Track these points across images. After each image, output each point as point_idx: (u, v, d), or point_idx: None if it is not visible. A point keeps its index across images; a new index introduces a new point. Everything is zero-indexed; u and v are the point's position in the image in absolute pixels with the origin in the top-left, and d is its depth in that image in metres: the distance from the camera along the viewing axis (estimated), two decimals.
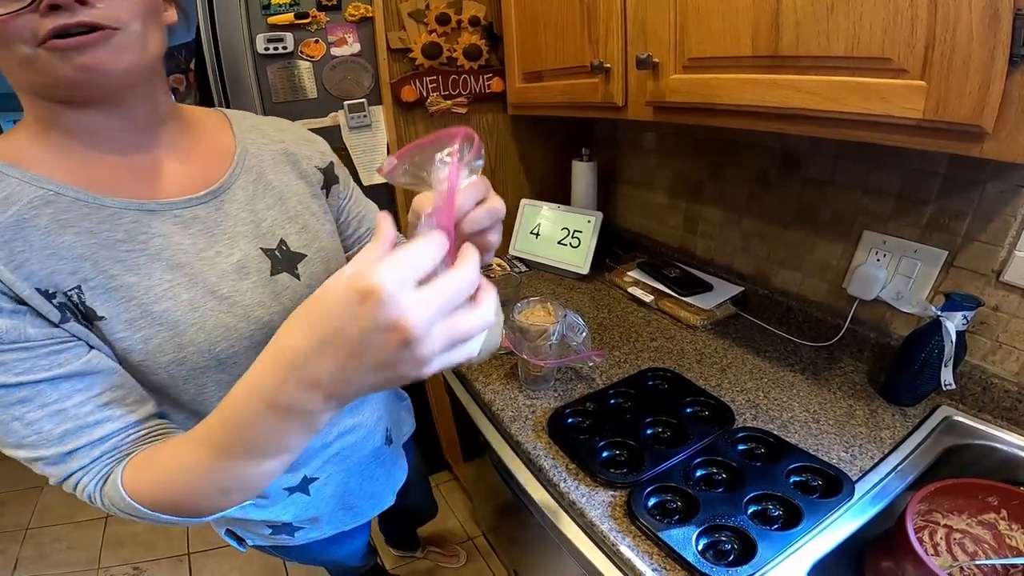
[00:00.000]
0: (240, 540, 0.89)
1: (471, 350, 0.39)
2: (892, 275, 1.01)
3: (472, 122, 1.59)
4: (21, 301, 0.46)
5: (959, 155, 0.59)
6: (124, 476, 0.47)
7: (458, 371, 1.21)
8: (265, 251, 0.63)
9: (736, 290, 1.30)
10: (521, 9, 1.33)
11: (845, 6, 0.61)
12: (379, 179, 1.49)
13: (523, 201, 1.69)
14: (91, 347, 0.50)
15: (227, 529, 0.87)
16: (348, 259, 0.72)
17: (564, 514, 0.87)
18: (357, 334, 0.34)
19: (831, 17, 0.63)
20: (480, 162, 0.43)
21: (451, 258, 0.40)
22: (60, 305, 0.48)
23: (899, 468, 0.83)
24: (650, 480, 0.81)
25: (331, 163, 0.76)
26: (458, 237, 0.44)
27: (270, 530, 0.85)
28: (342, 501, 0.89)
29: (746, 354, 1.15)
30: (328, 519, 0.89)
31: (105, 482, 0.48)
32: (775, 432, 0.89)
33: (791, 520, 0.73)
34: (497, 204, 0.46)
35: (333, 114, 1.44)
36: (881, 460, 0.85)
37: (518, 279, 1.22)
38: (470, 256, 0.39)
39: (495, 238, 0.48)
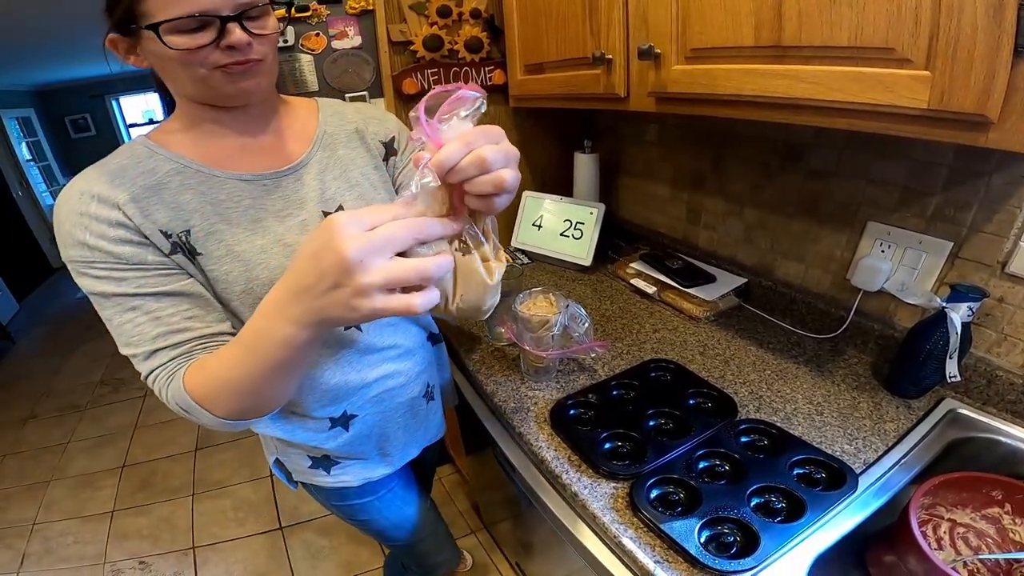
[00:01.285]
0: (288, 476, 0.98)
1: (410, 303, 0.45)
2: (897, 266, 1.00)
3: None
4: (145, 237, 0.65)
5: (965, 145, 0.59)
6: (186, 374, 0.62)
7: (461, 363, 1.21)
8: (325, 214, 0.77)
9: (739, 281, 1.30)
10: (522, 1, 1.32)
11: None
12: None
13: (525, 193, 1.69)
14: (189, 275, 0.68)
15: (276, 459, 0.97)
16: None
17: (566, 506, 0.87)
18: (308, 253, 0.46)
19: (834, 7, 0.63)
20: (475, 108, 0.47)
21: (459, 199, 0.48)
22: (173, 243, 0.66)
23: (903, 461, 0.83)
24: (652, 472, 0.81)
25: (393, 137, 0.88)
26: (458, 188, 0.48)
27: (309, 462, 0.93)
28: (378, 444, 0.96)
29: (749, 346, 1.15)
30: (360, 458, 0.95)
31: (173, 378, 0.63)
32: (778, 424, 0.89)
33: (794, 513, 0.73)
34: (486, 152, 0.45)
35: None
36: (885, 453, 0.84)
37: (520, 270, 1.22)
38: (423, 221, 0.46)
39: (509, 176, 0.47)
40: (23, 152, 5.70)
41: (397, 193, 0.89)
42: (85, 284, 0.64)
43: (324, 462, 0.93)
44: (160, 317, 0.65)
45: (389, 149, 0.88)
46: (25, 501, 2.38)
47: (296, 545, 1.98)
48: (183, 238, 0.68)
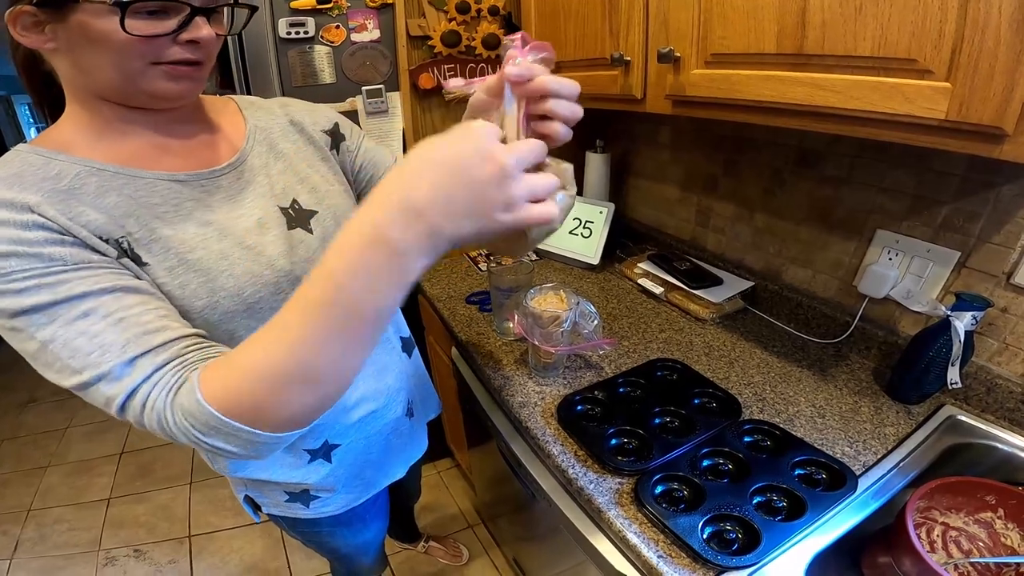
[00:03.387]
0: (256, 509, 0.91)
1: (549, 211, 0.44)
2: (903, 274, 1.02)
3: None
4: (77, 239, 0.52)
5: (977, 156, 0.60)
6: (200, 380, 0.46)
7: (469, 356, 1.22)
8: (281, 209, 0.70)
9: (746, 285, 1.31)
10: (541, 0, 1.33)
11: (874, 7, 0.62)
12: None
13: None
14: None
15: (246, 496, 0.89)
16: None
17: (571, 500, 0.88)
18: (460, 160, 0.41)
19: (859, 17, 0.64)
20: (546, 53, 0.49)
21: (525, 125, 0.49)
22: (117, 248, 0.55)
23: (901, 464, 0.85)
24: (658, 468, 0.82)
25: (335, 123, 0.83)
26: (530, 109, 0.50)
27: (286, 496, 0.87)
28: (360, 472, 0.91)
29: (754, 348, 1.16)
30: (343, 489, 0.91)
31: (177, 392, 0.48)
32: (781, 425, 0.91)
33: (795, 512, 0.75)
34: (564, 80, 0.49)
35: (351, 99, 1.45)
36: (884, 456, 0.86)
37: (531, 267, 1.23)
38: (540, 141, 0.46)
39: (579, 108, 0.51)
40: (32, 138, 5.70)
41: (356, 174, 0.84)
42: (5, 305, 0.47)
43: (303, 496, 0.88)
44: (125, 318, 0.50)
45: (335, 136, 0.82)
46: (21, 487, 2.37)
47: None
48: (123, 244, 0.56)
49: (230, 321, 0.62)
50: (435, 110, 1.55)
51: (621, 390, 1.02)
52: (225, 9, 0.60)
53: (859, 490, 0.79)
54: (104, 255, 0.53)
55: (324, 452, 0.84)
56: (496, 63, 1.53)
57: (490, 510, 1.75)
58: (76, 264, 0.50)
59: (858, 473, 0.82)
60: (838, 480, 0.79)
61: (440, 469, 2.20)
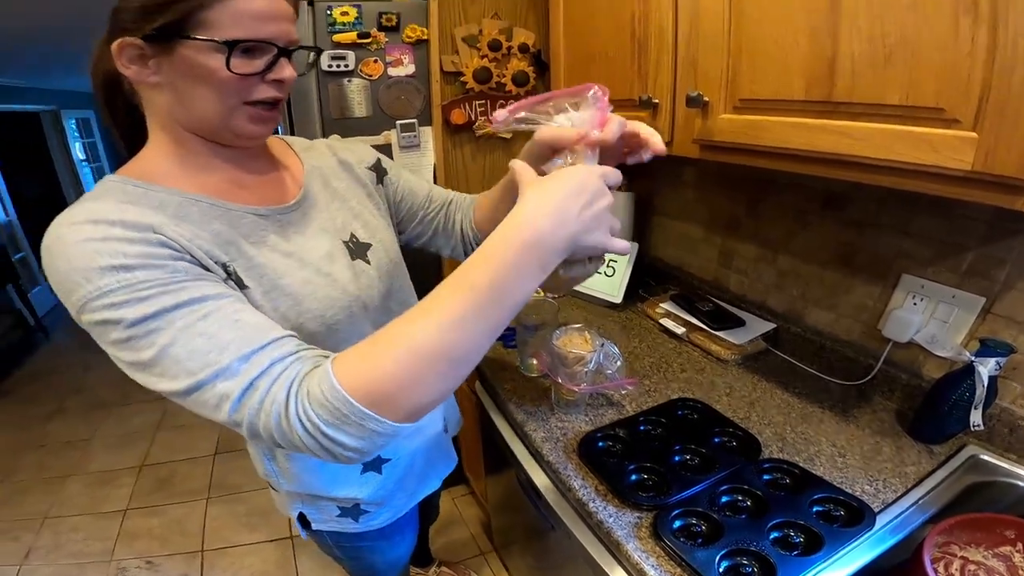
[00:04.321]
0: (306, 525, 0.94)
1: (625, 244, 0.56)
2: (928, 319, 1.01)
3: (516, 147, 1.64)
4: (196, 260, 0.56)
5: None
6: (333, 367, 0.48)
7: (492, 390, 1.23)
8: (343, 242, 0.76)
9: (768, 327, 1.31)
10: (571, 38, 1.36)
11: (903, 54, 0.63)
12: None
13: None
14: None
15: (300, 513, 0.93)
16: (401, 235, 0.94)
17: (590, 532, 0.89)
18: (593, 192, 0.52)
19: (888, 65, 0.65)
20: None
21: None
22: (222, 269, 0.59)
23: (921, 502, 0.84)
24: (676, 504, 0.83)
25: (378, 159, 0.90)
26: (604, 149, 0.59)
27: (338, 511, 0.91)
28: (404, 483, 0.95)
29: (775, 389, 1.16)
30: (390, 502, 0.94)
31: (302, 382, 0.49)
32: (801, 464, 0.91)
33: (811, 547, 0.75)
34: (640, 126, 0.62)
35: (385, 133, 1.50)
36: (904, 493, 0.86)
37: (556, 305, 1.25)
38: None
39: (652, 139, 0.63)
40: (78, 152, 5.87)
41: (398, 203, 0.92)
42: (129, 314, 0.49)
43: (354, 511, 0.92)
44: (240, 320, 0.52)
45: (379, 171, 0.89)
46: (41, 494, 2.42)
47: (305, 556, 1.99)
48: (230, 268, 0.61)
49: (311, 340, 0.63)
50: (465, 145, 1.59)
51: (642, 428, 1.02)
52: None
53: (877, 526, 0.79)
54: (216, 275, 0.58)
55: (376, 465, 0.89)
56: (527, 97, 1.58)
57: (503, 538, 1.74)
58: (194, 276, 0.54)
59: (877, 510, 0.82)
60: (856, 516, 0.80)
61: (455, 495, 2.19)
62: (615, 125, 0.58)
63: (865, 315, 1.14)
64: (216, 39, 0.55)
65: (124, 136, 0.70)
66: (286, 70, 0.61)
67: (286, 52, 0.61)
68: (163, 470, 2.53)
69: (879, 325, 1.10)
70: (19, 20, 2.78)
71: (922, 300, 1.02)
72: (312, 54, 0.70)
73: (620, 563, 0.82)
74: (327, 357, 0.51)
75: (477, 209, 0.93)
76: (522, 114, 0.59)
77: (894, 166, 0.67)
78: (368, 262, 0.79)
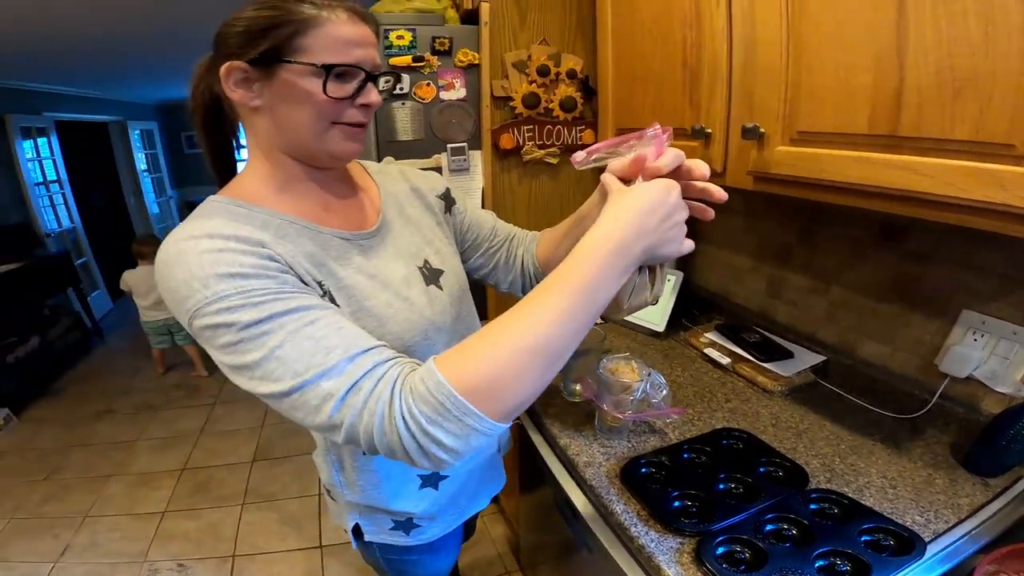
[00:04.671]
0: (358, 536, 0.95)
1: (691, 244, 0.62)
2: (988, 356, 0.98)
3: (561, 173, 1.66)
4: (300, 279, 0.60)
5: None
6: (437, 363, 0.51)
7: (533, 412, 1.24)
8: (418, 268, 0.79)
9: (818, 359, 1.28)
10: (619, 65, 1.37)
11: (974, 90, 0.61)
12: None
13: None
14: None
15: (355, 524, 0.93)
16: (463, 264, 0.94)
17: (630, 556, 0.88)
18: (671, 206, 0.57)
19: (958, 100, 0.63)
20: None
21: None
22: (319, 288, 0.63)
23: (974, 532, 0.82)
24: (720, 531, 0.82)
25: (447, 188, 0.93)
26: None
27: (392, 524, 0.92)
28: (457, 500, 0.96)
29: (824, 421, 1.13)
30: (441, 517, 0.95)
31: (405, 380, 0.52)
32: (850, 495, 0.88)
33: None
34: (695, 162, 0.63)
35: (436, 156, 1.53)
36: (956, 524, 0.83)
37: (602, 333, 1.25)
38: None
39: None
40: (141, 162, 6.14)
41: (464, 235, 0.95)
42: (242, 318, 0.52)
43: (406, 525, 0.93)
44: (343, 328, 0.55)
45: (448, 200, 0.92)
46: (84, 493, 2.50)
47: (333, 565, 2.01)
48: (324, 287, 0.64)
49: None
50: (513, 170, 1.61)
51: (686, 456, 1.01)
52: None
53: (927, 555, 0.76)
54: (314, 290, 0.61)
55: (434, 481, 0.90)
56: (571, 125, 1.60)
57: (531, 557, 1.72)
58: (300, 288, 0.58)
59: (927, 540, 0.79)
60: (906, 546, 0.77)
61: (483, 514, 2.17)
62: (670, 157, 0.60)
63: (922, 349, 1.10)
64: (316, 64, 0.59)
65: (214, 157, 0.75)
66: (372, 94, 0.65)
67: (372, 77, 0.65)
68: (202, 474, 2.60)
69: (936, 360, 1.07)
70: (92, 32, 2.95)
71: (983, 336, 0.99)
72: (391, 79, 0.73)
73: None
74: (420, 364, 0.54)
75: (539, 245, 0.95)
76: (597, 155, 0.64)
77: (960, 203, 0.66)
78: (441, 288, 0.81)
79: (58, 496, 2.48)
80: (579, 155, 0.64)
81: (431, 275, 0.80)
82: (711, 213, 0.65)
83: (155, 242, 3.49)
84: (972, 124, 0.63)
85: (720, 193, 0.64)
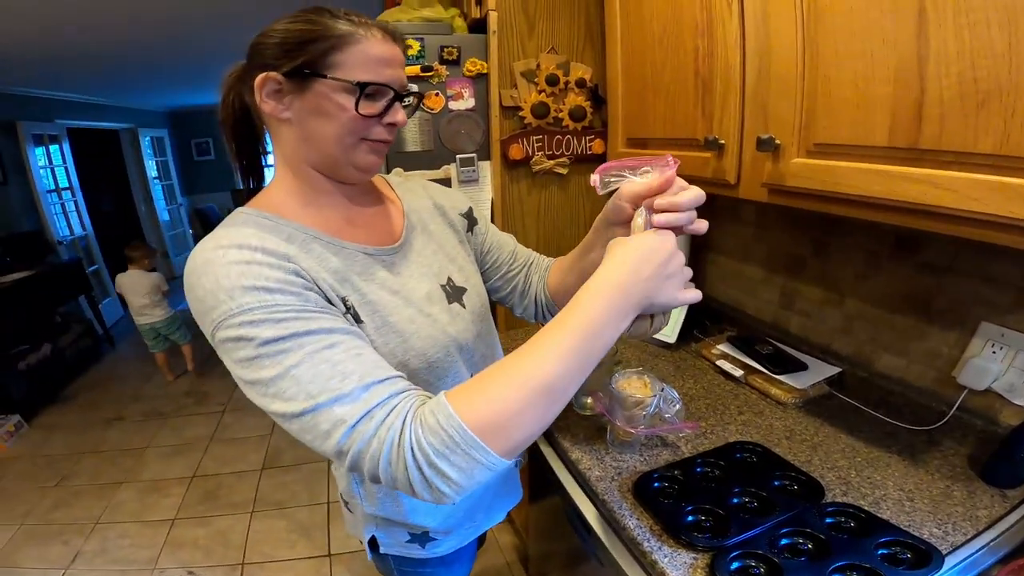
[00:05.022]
0: (374, 548, 0.94)
1: (696, 294, 0.61)
2: (1007, 368, 0.97)
3: (571, 183, 1.65)
4: (324, 294, 0.61)
5: None
6: (448, 398, 0.52)
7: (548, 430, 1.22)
8: (441, 286, 0.79)
9: (833, 371, 1.26)
10: (629, 75, 1.35)
11: (998, 103, 0.60)
12: None
13: None
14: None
15: (372, 537, 0.93)
16: (484, 283, 0.93)
17: (643, 572, 0.87)
18: (665, 256, 0.57)
19: (981, 112, 0.61)
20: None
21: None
22: (342, 303, 0.63)
23: (992, 544, 0.81)
24: (735, 546, 0.81)
25: (470, 208, 0.93)
26: None
27: (408, 537, 0.91)
28: (473, 514, 0.96)
29: (839, 433, 1.11)
30: (457, 531, 0.95)
31: (415, 413, 0.52)
32: (866, 508, 0.87)
33: None
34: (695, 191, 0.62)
35: (446, 167, 1.53)
36: (975, 536, 0.82)
37: (615, 349, 1.24)
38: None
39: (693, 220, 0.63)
40: (151, 169, 6.21)
41: (485, 256, 0.94)
42: (263, 333, 0.53)
43: (422, 538, 0.92)
44: (362, 355, 0.56)
45: (470, 220, 0.92)
46: (94, 499, 2.51)
47: (340, 573, 2.01)
48: (348, 303, 0.64)
49: (413, 376, 0.69)
50: (522, 180, 1.60)
51: (699, 470, 1.00)
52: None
53: (945, 567, 0.75)
54: (337, 309, 0.62)
55: None
56: (581, 135, 1.59)
57: (540, 567, 1.70)
58: (322, 308, 0.58)
59: (945, 552, 0.78)
60: (924, 559, 0.76)
61: None
62: (692, 195, 0.60)
63: (939, 361, 1.09)
64: (351, 81, 0.61)
65: (244, 166, 0.77)
66: (400, 114, 0.66)
67: (399, 96, 0.66)
68: (211, 482, 2.61)
69: (954, 372, 1.05)
70: (104, 40, 2.99)
71: (1002, 348, 0.97)
72: (415, 99, 0.73)
73: None
74: (431, 397, 0.55)
75: (551, 274, 0.95)
76: (606, 176, 0.65)
77: (983, 219, 0.64)
78: (464, 306, 0.81)
79: (68, 502, 2.49)
80: (594, 177, 0.65)
81: (454, 293, 0.80)
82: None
83: (144, 247, 3.60)
84: (996, 137, 0.61)
85: (703, 227, 0.64)
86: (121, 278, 3.47)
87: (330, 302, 0.61)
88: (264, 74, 0.61)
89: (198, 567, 2.08)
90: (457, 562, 1.03)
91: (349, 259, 0.68)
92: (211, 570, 2.06)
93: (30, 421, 3.25)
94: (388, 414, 0.52)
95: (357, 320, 0.65)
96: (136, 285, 3.44)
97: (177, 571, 2.06)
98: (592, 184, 0.66)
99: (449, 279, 0.81)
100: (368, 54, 0.62)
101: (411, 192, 0.86)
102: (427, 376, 0.72)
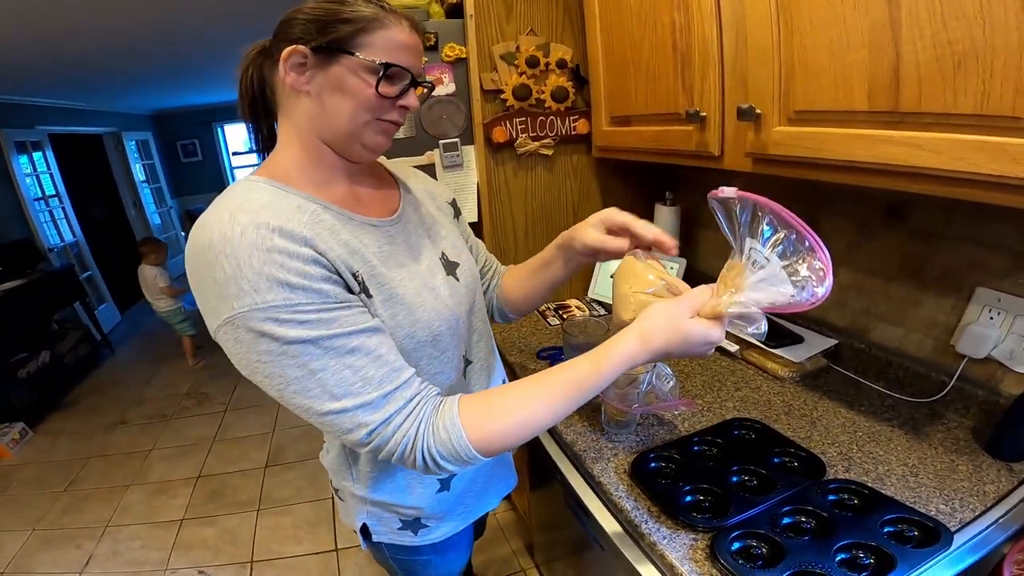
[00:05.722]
0: (367, 536, 0.95)
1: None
2: (1006, 334, 0.95)
3: (557, 164, 1.62)
4: (338, 273, 0.62)
5: None
6: (463, 421, 0.62)
7: None
8: (438, 259, 0.81)
9: (829, 343, 1.25)
10: (609, 53, 1.34)
11: (975, 63, 0.59)
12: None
13: None
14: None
15: (363, 524, 0.93)
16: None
17: (642, 554, 0.87)
18: (704, 349, 0.66)
19: (959, 74, 0.61)
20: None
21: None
22: (354, 279, 0.64)
23: (1001, 520, 0.79)
24: (735, 525, 0.80)
25: (454, 199, 0.96)
26: None
27: (399, 524, 0.91)
28: (464, 500, 0.96)
29: (838, 407, 1.10)
30: (449, 517, 0.95)
31: (432, 425, 0.62)
32: (870, 484, 0.86)
33: (882, 569, 0.71)
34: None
35: (428, 153, 1.51)
36: (983, 512, 0.81)
37: (604, 325, 1.22)
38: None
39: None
40: (138, 173, 6.17)
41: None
42: (289, 333, 0.56)
43: (414, 525, 0.92)
44: (381, 356, 0.61)
45: (456, 209, 0.96)
46: (103, 503, 2.52)
47: (348, 568, 2.02)
48: (359, 277, 0.65)
49: (418, 350, 0.73)
50: (507, 163, 1.58)
51: (696, 448, 0.99)
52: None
53: (954, 546, 0.74)
54: (352, 292, 0.64)
55: (447, 480, 0.91)
56: (565, 116, 1.56)
57: (545, 555, 1.71)
58: (341, 302, 0.60)
59: (954, 529, 0.77)
60: (932, 537, 0.75)
61: (497, 511, 2.18)
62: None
63: (936, 330, 1.07)
64: (375, 60, 0.63)
65: (263, 138, 0.78)
66: (413, 98, 0.69)
67: (415, 83, 0.68)
68: (216, 481, 2.62)
69: (952, 340, 1.04)
70: (83, 44, 2.94)
71: (999, 314, 0.96)
72: (427, 89, 0.75)
73: None
74: (438, 395, 0.66)
75: (505, 280, 1.00)
76: (727, 216, 0.66)
77: (972, 178, 0.63)
78: (458, 279, 0.83)
79: (78, 507, 2.50)
80: (728, 191, 0.66)
81: (448, 266, 0.82)
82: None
83: (153, 243, 3.89)
84: (976, 97, 0.60)
85: (671, 244, 0.73)
86: (139, 271, 3.82)
87: (343, 279, 0.63)
88: (292, 47, 0.63)
89: (209, 566, 2.09)
90: (452, 550, 1.03)
91: (357, 231, 0.68)
92: (222, 569, 2.07)
93: (34, 428, 3.26)
94: (404, 420, 0.61)
95: (367, 294, 0.66)
96: (143, 280, 3.79)
97: (188, 571, 2.07)
98: (720, 195, 0.67)
99: (443, 253, 0.82)
100: (394, 39, 0.64)
101: (404, 173, 0.89)
102: (431, 350, 0.75)
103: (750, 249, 0.61)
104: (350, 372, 0.58)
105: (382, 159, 0.89)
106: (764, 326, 0.63)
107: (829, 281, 0.58)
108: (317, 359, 0.57)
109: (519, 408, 0.63)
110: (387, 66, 0.63)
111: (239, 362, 0.59)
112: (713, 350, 0.65)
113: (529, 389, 0.65)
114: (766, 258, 0.60)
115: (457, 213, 0.96)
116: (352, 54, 0.62)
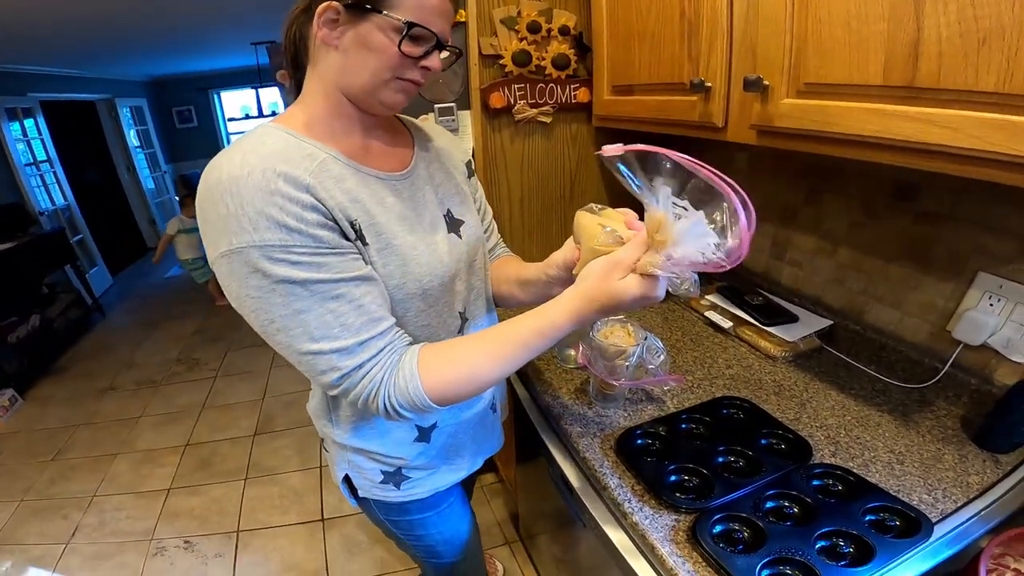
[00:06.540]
0: (353, 492, 0.97)
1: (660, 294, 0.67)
2: (1004, 321, 0.94)
3: (555, 132, 1.58)
4: (335, 220, 0.65)
5: None
6: (421, 373, 0.66)
7: (527, 379, 1.20)
8: (443, 216, 0.83)
9: (824, 323, 1.23)
10: (614, 21, 1.30)
11: (1000, 40, 0.56)
12: None
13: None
14: (368, 263, 0.69)
15: (345, 476, 0.95)
16: None
17: (623, 533, 0.86)
18: (645, 303, 0.67)
19: (982, 50, 0.58)
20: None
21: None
22: (351, 226, 0.67)
23: (983, 513, 0.79)
24: (718, 508, 0.80)
25: (470, 159, 0.98)
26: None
27: (381, 477, 0.93)
28: (447, 455, 0.97)
29: (829, 389, 1.09)
30: (433, 471, 0.96)
31: (395, 375, 0.66)
32: (855, 470, 0.86)
33: (861, 558, 0.71)
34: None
35: (423, 117, 1.47)
36: (965, 504, 0.80)
37: None
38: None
39: None
40: (132, 139, 6.10)
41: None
42: (279, 271, 0.60)
43: (396, 476, 0.93)
44: (363, 305, 0.65)
45: (470, 169, 0.96)
46: (90, 472, 2.52)
47: (334, 538, 2.02)
48: (357, 225, 0.68)
49: (407, 301, 0.75)
50: (504, 129, 1.54)
51: (683, 426, 0.98)
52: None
53: (934, 537, 0.74)
54: (347, 239, 0.66)
55: (428, 430, 0.92)
56: (565, 83, 1.51)
57: (530, 528, 1.73)
58: (334, 248, 0.64)
59: (935, 520, 0.76)
60: (912, 527, 0.75)
61: (483, 483, 2.19)
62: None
63: (934, 315, 1.05)
64: (400, 19, 0.64)
65: (296, 84, 0.79)
66: (435, 60, 0.70)
67: (441, 46, 0.70)
68: (205, 449, 2.61)
69: (949, 326, 1.02)
70: (77, 9, 2.85)
71: (999, 301, 0.94)
72: (454, 56, 0.78)
73: (653, 567, 0.79)
74: (408, 345, 0.70)
75: (494, 268, 0.99)
76: (632, 164, 0.66)
77: (987, 157, 0.60)
78: (460, 237, 0.85)
79: (66, 476, 2.50)
80: (612, 148, 0.67)
81: (452, 224, 0.84)
82: None
83: (186, 190, 4.03)
84: (999, 75, 0.58)
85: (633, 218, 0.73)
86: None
87: (339, 225, 0.65)
88: (327, 3, 0.65)
89: (195, 536, 2.09)
90: (445, 504, 1.03)
91: (363, 182, 0.71)
92: (207, 539, 2.07)
93: (24, 394, 3.24)
94: (373, 367, 0.65)
95: (363, 241, 0.69)
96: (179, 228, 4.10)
97: (174, 541, 2.07)
98: (606, 153, 0.67)
99: (449, 211, 0.84)
100: (425, 2, 0.65)
101: (422, 131, 0.90)
102: (419, 303, 0.77)
103: (666, 199, 0.61)
104: (331, 317, 0.63)
105: (402, 115, 0.90)
106: (696, 281, 0.67)
107: (743, 219, 0.58)
108: (302, 300, 0.61)
109: (468, 361, 0.68)
110: (411, 25, 0.65)
111: (230, 294, 0.63)
112: (659, 302, 0.67)
113: (479, 344, 0.69)
114: (683, 207, 0.61)
115: (471, 174, 0.97)
116: (380, 12, 0.64)
